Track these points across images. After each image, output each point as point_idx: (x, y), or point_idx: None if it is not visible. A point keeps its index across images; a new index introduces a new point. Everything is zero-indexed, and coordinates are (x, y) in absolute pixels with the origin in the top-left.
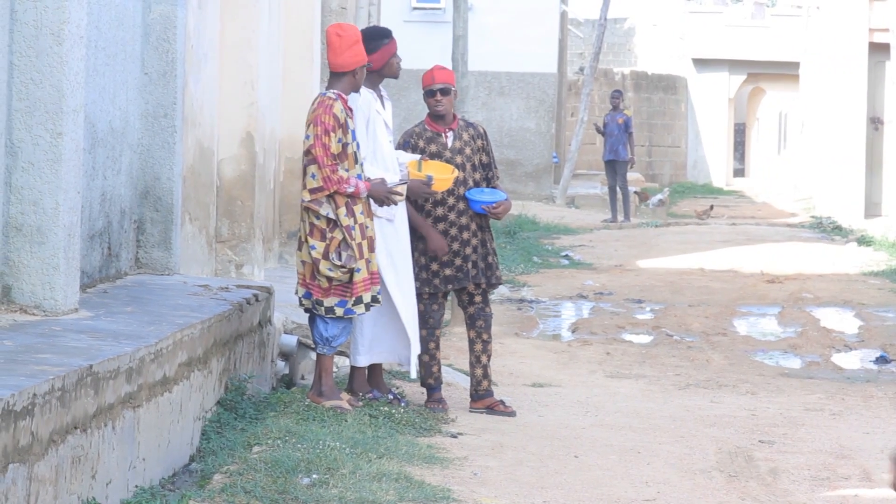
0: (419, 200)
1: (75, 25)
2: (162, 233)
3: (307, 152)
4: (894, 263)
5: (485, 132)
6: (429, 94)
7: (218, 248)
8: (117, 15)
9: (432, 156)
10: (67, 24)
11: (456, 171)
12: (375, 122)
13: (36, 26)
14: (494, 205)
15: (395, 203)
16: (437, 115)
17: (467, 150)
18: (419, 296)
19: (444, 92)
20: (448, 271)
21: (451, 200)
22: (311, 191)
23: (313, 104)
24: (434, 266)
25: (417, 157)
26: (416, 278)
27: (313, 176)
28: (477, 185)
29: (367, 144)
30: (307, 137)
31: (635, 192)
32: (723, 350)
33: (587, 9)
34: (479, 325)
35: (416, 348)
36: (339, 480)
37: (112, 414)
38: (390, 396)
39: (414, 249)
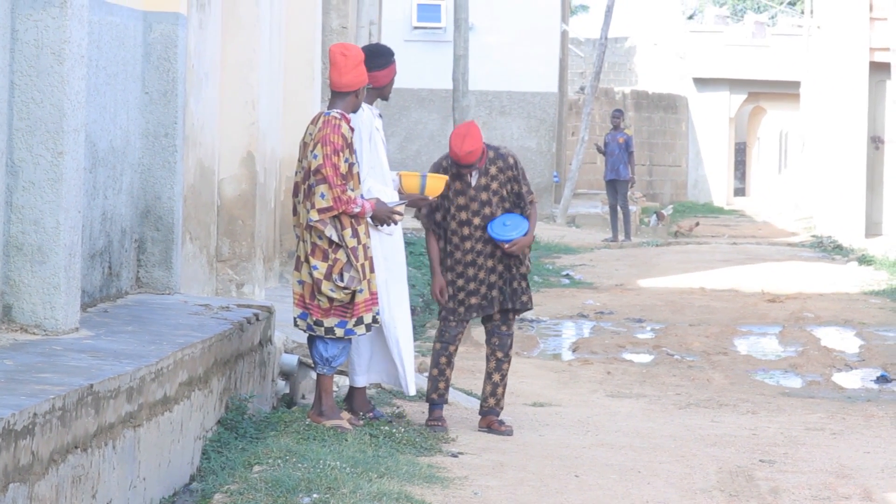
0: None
1: (76, 45)
2: (163, 252)
3: (316, 171)
4: (895, 283)
5: (515, 162)
6: (456, 167)
7: (219, 268)
8: (118, 34)
9: (456, 192)
10: (68, 43)
11: (445, 178)
12: (375, 138)
13: (37, 45)
14: (508, 245)
15: (396, 222)
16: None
17: (494, 185)
18: (444, 318)
19: (470, 168)
20: (473, 300)
21: (465, 231)
22: (321, 210)
23: (316, 123)
24: (461, 295)
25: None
26: (444, 305)
27: (322, 196)
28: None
29: (369, 159)
30: (315, 157)
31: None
32: (723, 369)
33: (588, 28)
34: (493, 342)
35: (409, 364)
36: (339, 500)
37: (112, 433)
38: (370, 415)
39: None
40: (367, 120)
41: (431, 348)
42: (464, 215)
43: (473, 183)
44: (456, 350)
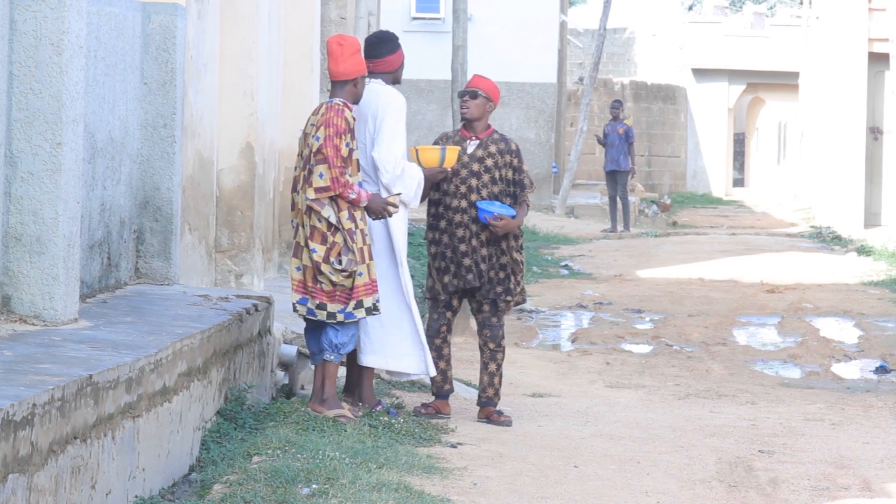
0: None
1: (75, 35)
2: (161, 243)
3: (317, 152)
4: (894, 273)
5: (517, 148)
6: (460, 95)
7: (217, 258)
8: (117, 25)
9: None
10: (67, 34)
11: (458, 148)
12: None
13: (35, 36)
14: (494, 215)
15: (391, 215)
16: (463, 118)
17: (488, 162)
18: (427, 299)
19: (472, 95)
20: (446, 278)
21: (463, 204)
22: (317, 189)
23: (318, 110)
24: (440, 264)
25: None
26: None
27: (321, 175)
28: (496, 197)
29: (396, 133)
30: (317, 139)
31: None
32: (722, 360)
33: (587, 19)
34: (485, 333)
35: (410, 348)
36: (338, 490)
37: (112, 424)
38: (378, 409)
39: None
40: (397, 102)
41: None
42: (453, 185)
43: (469, 150)
44: (444, 342)
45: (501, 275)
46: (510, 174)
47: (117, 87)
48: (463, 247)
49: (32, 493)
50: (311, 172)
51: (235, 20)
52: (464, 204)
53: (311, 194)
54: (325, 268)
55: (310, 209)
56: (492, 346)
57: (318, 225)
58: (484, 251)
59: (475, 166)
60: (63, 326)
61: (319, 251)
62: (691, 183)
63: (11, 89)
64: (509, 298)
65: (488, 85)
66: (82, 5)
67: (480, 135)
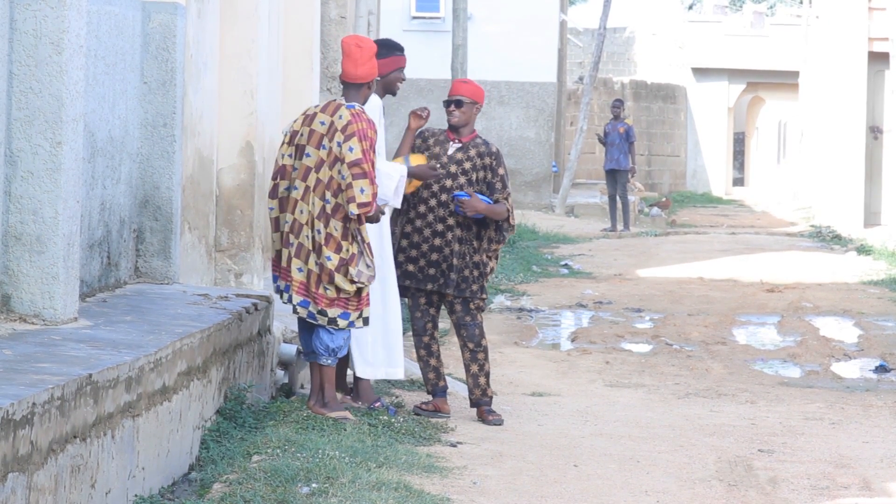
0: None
1: (75, 35)
2: (161, 242)
3: (353, 165)
4: (893, 272)
5: (497, 152)
6: (445, 104)
7: (217, 258)
8: (117, 24)
9: (433, 156)
10: (67, 33)
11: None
12: (381, 127)
13: (35, 35)
14: (460, 198)
15: (379, 220)
16: (450, 125)
17: (466, 164)
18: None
19: (457, 104)
20: (410, 267)
21: (432, 202)
22: (361, 205)
23: (332, 113)
24: (400, 257)
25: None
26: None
27: (362, 191)
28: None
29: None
30: (350, 150)
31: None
32: (722, 359)
33: (587, 18)
34: (462, 334)
35: (400, 350)
36: (338, 489)
37: (111, 423)
38: (377, 405)
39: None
40: (379, 107)
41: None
42: (430, 183)
43: (450, 152)
44: (432, 339)
45: (475, 273)
46: (488, 175)
47: (117, 86)
48: (425, 247)
49: (32, 492)
50: (347, 185)
51: (235, 19)
52: (433, 202)
53: (354, 210)
54: (337, 278)
55: (324, 214)
56: (471, 346)
57: (334, 233)
58: (447, 251)
59: (452, 167)
60: (63, 325)
61: (334, 259)
62: (691, 182)
63: (11, 88)
64: (484, 296)
65: (471, 89)
66: (82, 4)
67: (464, 138)
